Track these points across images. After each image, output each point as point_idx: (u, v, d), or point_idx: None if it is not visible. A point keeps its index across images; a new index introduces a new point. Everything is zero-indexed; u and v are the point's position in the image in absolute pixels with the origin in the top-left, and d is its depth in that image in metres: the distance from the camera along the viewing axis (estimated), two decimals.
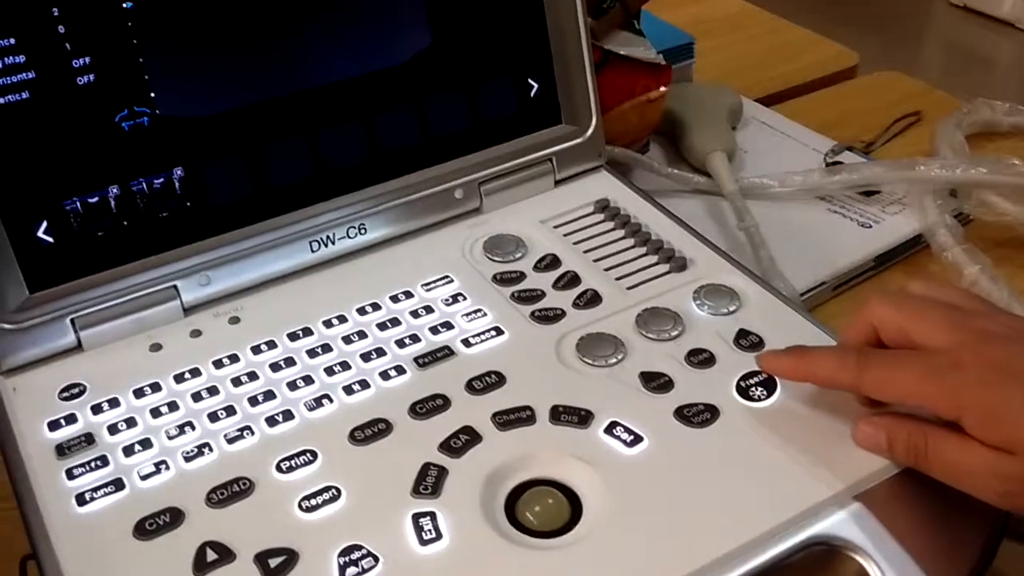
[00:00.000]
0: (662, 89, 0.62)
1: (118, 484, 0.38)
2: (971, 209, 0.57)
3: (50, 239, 0.42)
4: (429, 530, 0.35)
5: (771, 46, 0.85)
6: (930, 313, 0.36)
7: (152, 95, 0.42)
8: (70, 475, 0.38)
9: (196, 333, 0.45)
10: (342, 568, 0.34)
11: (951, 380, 0.34)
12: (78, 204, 0.42)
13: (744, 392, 0.40)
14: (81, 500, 0.37)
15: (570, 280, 0.47)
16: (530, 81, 0.53)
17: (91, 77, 0.41)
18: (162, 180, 0.44)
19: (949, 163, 0.57)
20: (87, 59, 0.41)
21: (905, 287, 0.40)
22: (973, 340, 0.35)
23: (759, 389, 0.40)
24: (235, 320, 0.45)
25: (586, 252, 0.50)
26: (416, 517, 0.36)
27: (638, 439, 0.39)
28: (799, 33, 0.87)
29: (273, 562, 0.35)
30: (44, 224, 0.42)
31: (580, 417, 0.40)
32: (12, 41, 0.39)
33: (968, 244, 0.54)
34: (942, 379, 0.34)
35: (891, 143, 0.69)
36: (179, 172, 0.44)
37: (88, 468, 0.38)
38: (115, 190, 0.43)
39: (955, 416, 0.34)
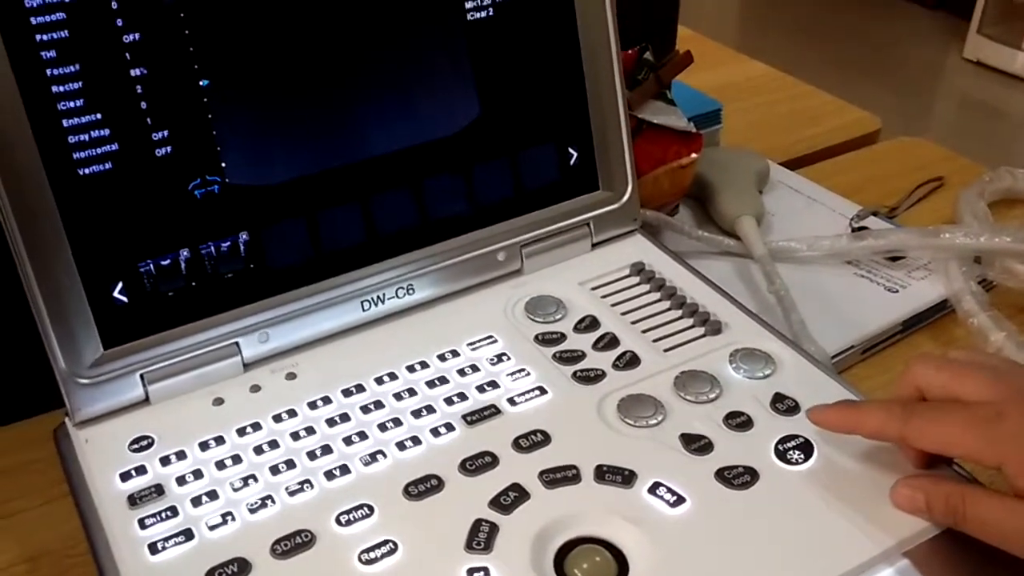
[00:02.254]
0: (693, 156, 0.64)
1: (188, 534, 0.40)
2: (995, 276, 0.59)
3: (124, 299, 0.44)
4: None
5: (794, 110, 0.88)
6: (973, 372, 0.39)
7: (223, 165, 0.45)
8: (142, 525, 0.40)
9: (255, 388, 0.47)
10: None
11: (993, 430, 0.36)
12: (152, 266, 0.45)
13: (782, 456, 0.42)
14: (153, 549, 0.39)
15: (609, 342, 0.50)
16: (570, 150, 0.55)
17: (168, 149, 0.44)
18: (228, 244, 0.46)
19: (973, 231, 0.59)
20: (165, 132, 0.44)
21: (945, 353, 0.42)
22: (1015, 395, 0.37)
23: (797, 453, 0.42)
24: (291, 376, 0.48)
25: (623, 314, 0.52)
26: (471, 572, 0.38)
27: (681, 500, 0.41)
28: (822, 98, 0.90)
29: None
30: (120, 284, 0.44)
31: (624, 477, 0.42)
32: (98, 116, 0.42)
33: (993, 311, 0.56)
34: (985, 429, 0.37)
35: (914, 208, 0.71)
36: (244, 236, 0.46)
37: (159, 518, 0.40)
38: (186, 253, 0.45)
39: (997, 464, 0.36)
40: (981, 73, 2.59)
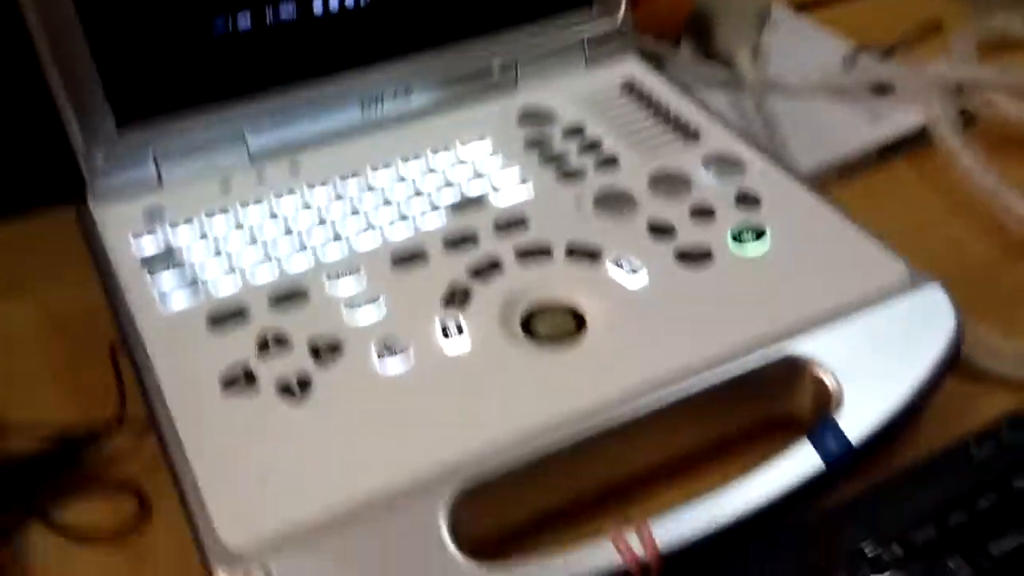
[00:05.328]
0: None
1: (194, 287, 0.44)
2: (976, 107, 0.61)
3: (136, 81, 0.48)
4: (454, 332, 0.42)
5: None
6: None
7: None
8: (153, 278, 0.45)
9: (260, 176, 0.51)
10: (379, 355, 0.41)
11: None
12: (163, 49, 0.48)
13: (737, 240, 0.46)
14: (163, 299, 0.44)
15: (593, 146, 0.53)
16: None
17: None
18: (233, 32, 0.49)
19: (957, 64, 0.61)
20: None
21: None
22: None
23: (750, 235, 0.46)
24: (294, 166, 0.51)
25: (610, 124, 0.55)
26: (444, 322, 0.42)
27: (640, 274, 0.44)
28: None
29: (323, 351, 0.41)
30: (133, 66, 0.48)
31: (590, 255, 0.46)
32: None
33: (966, 137, 0.58)
34: None
35: (910, 50, 0.72)
36: (248, 25, 0.49)
37: (169, 273, 0.45)
38: (193, 39, 0.48)
39: None
40: None
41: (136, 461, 0.43)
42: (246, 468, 0.37)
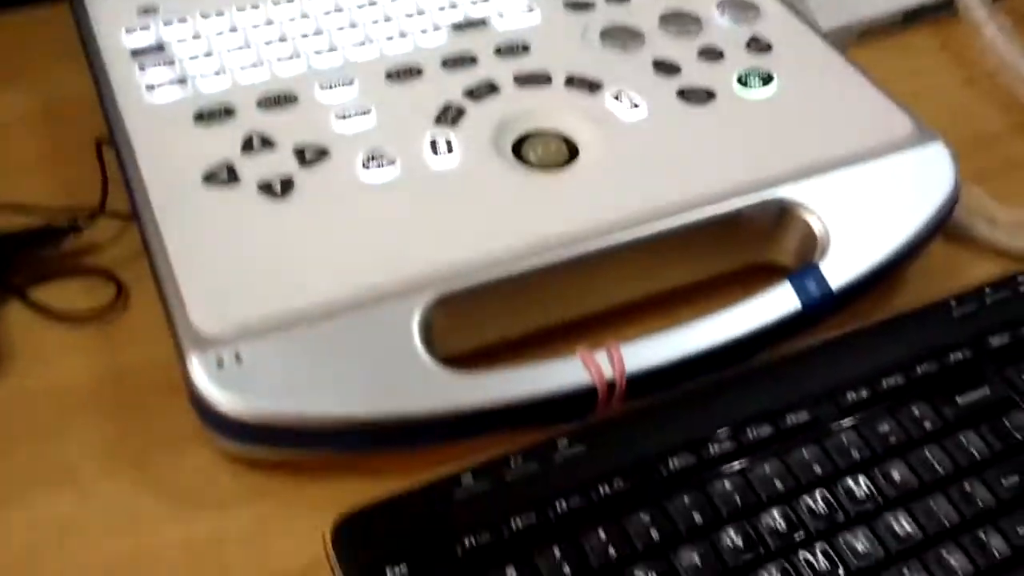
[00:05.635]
0: None
1: (182, 82, 0.43)
2: None
3: None
4: (443, 148, 0.41)
5: None
6: None
7: None
8: (143, 72, 0.44)
9: None
10: (364, 164, 0.40)
11: None
12: None
13: (743, 83, 0.44)
14: (151, 92, 0.43)
15: None
16: None
17: None
18: None
19: None
20: None
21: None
22: None
23: (756, 80, 0.44)
24: None
25: None
26: (434, 137, 0.41)
27: (638, 108, 0.43)
28: None
29: (308, 155, 0.40)
30: None
31: (590, 86, 0.44)
32: None
33: (993, 9, 0.56)
34: None
35: None
36: None
37: (157, 66, 0.44)
38: None
39: None
40: None
41: (116, 252, 0.43)
42: (223, 259, 0.37)
